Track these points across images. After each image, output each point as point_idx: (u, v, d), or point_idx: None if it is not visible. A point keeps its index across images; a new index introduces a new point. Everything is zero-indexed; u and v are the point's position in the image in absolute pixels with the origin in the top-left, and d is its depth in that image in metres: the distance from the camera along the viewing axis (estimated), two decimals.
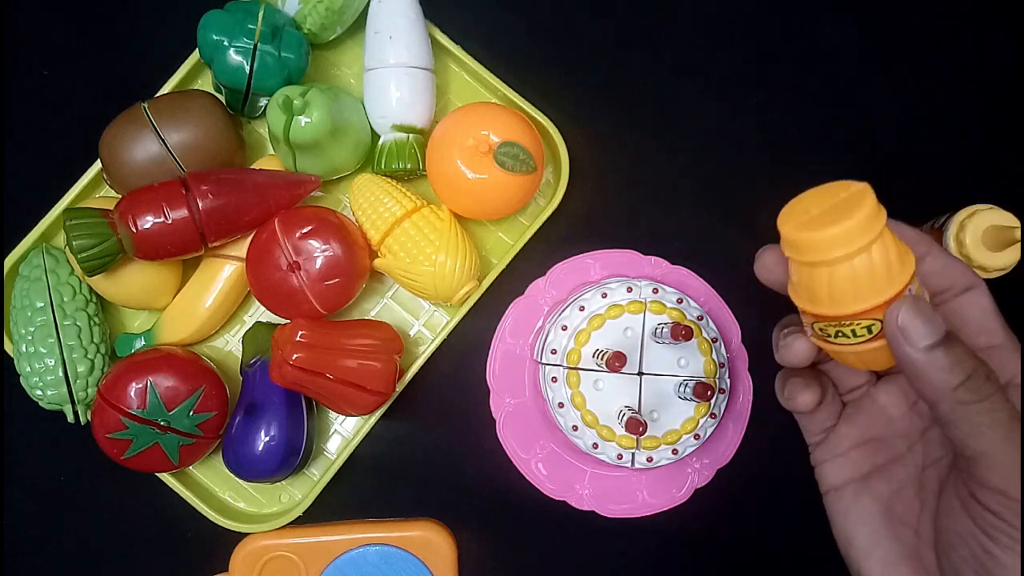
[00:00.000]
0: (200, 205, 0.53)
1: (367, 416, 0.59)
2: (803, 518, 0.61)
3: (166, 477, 0.57)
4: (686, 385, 0.53)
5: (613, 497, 0.57)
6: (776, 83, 0.63)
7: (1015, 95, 0.63)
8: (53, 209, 0.58)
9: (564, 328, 0.54)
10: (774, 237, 0.63)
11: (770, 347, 0.58)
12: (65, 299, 0.55)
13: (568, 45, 0.63)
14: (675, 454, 0.54)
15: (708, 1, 0.64)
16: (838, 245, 0.30)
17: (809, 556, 0.61)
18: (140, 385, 0.53)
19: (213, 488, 0.60)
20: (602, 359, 0.51)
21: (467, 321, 0.59)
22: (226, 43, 0.54)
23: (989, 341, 0.34)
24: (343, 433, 0.61)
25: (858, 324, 0.31)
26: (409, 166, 0.58)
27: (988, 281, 0.53)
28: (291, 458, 0.56)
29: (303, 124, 0.52)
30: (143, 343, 0.58)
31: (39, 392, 0.54)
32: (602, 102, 0.63)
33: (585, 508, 0.57)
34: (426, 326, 0.61)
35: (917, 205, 0.61)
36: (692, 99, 0.63)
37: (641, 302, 0.54)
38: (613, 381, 0.54)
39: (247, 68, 0.54)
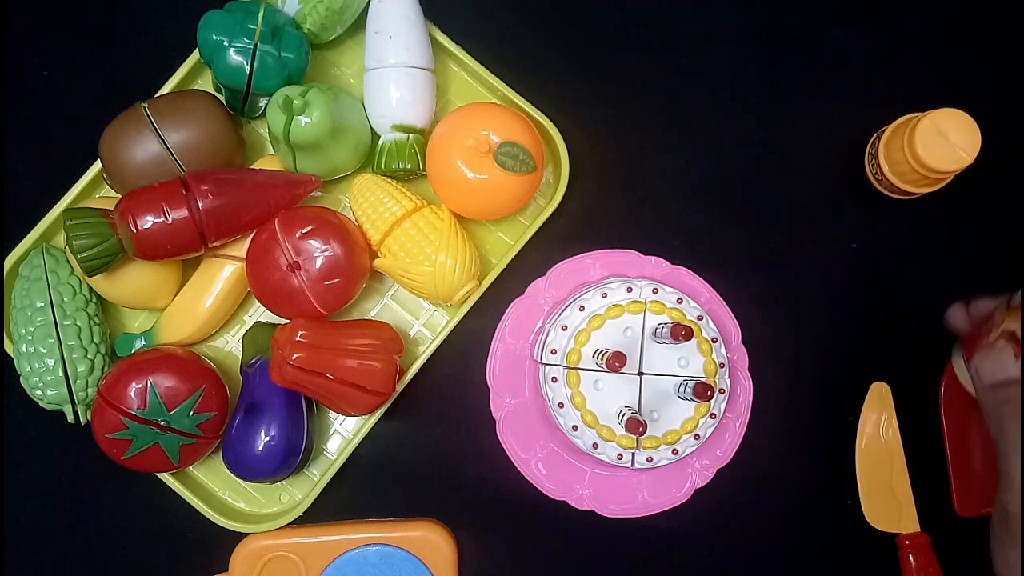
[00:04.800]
0: (200, 205, 0.53)
1: (367, 416, 0.59)
2: (802, 518, 0.61)
3: (166, 477, 0.57)
4: (686, 385, 0.53)
5: (613, 497, 0.57)
6: (776, 83, 0.63)
7: (1016, 95, 0.63)
8: (53, 209, 0.58)
9: (564, 328, 0.55)
10: (774, 236, 0.64)
11: (770, 346, 0.59)
12: (65, 299, 0.55)
13: (568, 45, 0.63)
14: (675, 454, 0.54)
15: (708, 1, 0.64)
16: None
17: (808, 556, 0.61)
18: (140, 385, 0.53)
19: (213, 488, 0.60)
20: (602, 359, 0.51)
21: (467, 321, 0.59)
22: (226, 43, 0.54)
23: None
24: (343, 433, 0.61)
25: None
26: (409, 166, 0.58)
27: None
28: (291, 458, 0.56)
29: (303, 124, 0.52)
30: (143, 343, 0.58)
31: (39, 392, 0.54)
32: (602, 102, 0.63)
33: (585, 508, 0.57)
34: (426, 326, 0.61)
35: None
36: (692, 99, 0.63)
37: (641, 302, 0.54)
38: (613, 381, 0.54)
39: (247, 68, 0.54)
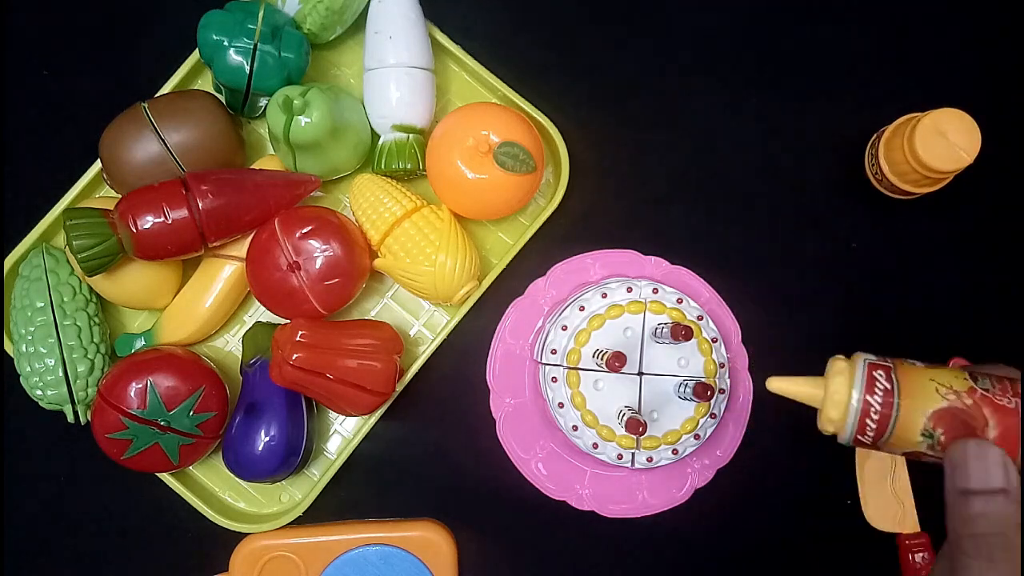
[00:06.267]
0: (200, 205, 0.53)
1: (367, 416, 0.59)
2: (802, 518, 0.61)
3: (166, 477, 0.57)
4: (686, 385, 0.53)
5: (613, 497, 0.57)
6: (776, 83, 0.63)
7: (1016, 95, 0.63)
8: (53, 209, 0.58)
9: (564, 328, 0.55)
10: (774, 236, 0.63)
11: (770, 346, 0.58)
12: (65, 299, 0.55)
13: (568, 45, 0.63)
14: (675, 454, 0.54)
15: (708, 1, 0.64)
16: None
17: (808, 556, 0.61)
18: (140, 385, 0.53)
19: (213, 488, 0.60)
20: (602, 359, 0.51)
21: (467, 321, 0.59)
22: (226, 43, 0.54)
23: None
24: (343, 433, 0.61)
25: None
26: (409, 166, 0.58)
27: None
28: (291, 458, 0.56)
29: (303, 124, 0.52)
30: (143, 343, 0.58)
31: (39, 392, 0.54)
32: (602, 102, 0.63)
33: (585, 508, 0.57)
34: (426, 326, 0.61)
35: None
36: (692, 99, 0.63)
37: (641, 302, 0.54)
38: (613, 381, 0.54)
39: (247, 68, 0.54)
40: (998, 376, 0.37)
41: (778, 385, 0.40)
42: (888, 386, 0.36)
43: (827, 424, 0.38)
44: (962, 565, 0.34)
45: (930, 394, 0.36)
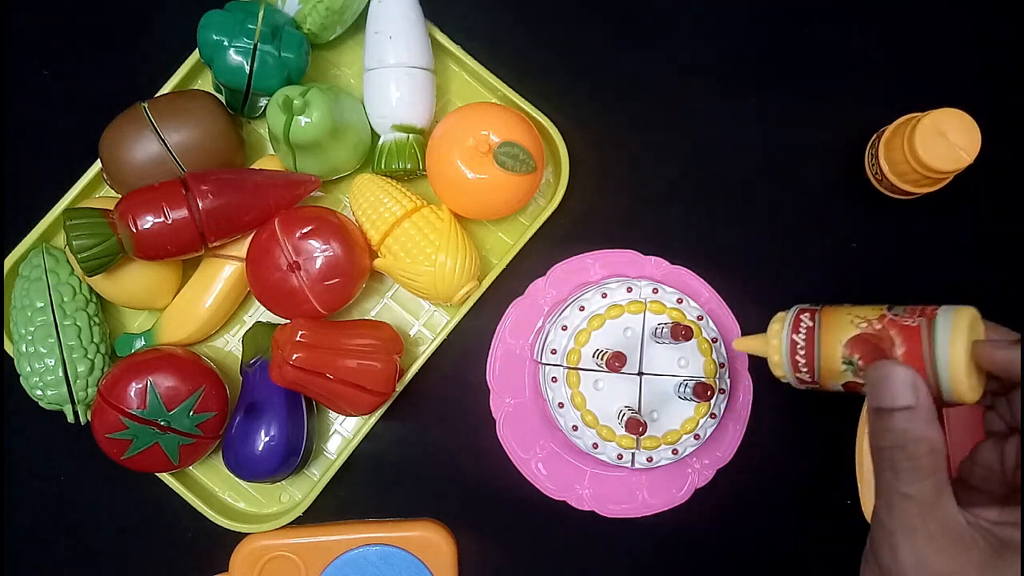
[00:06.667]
0: (200, 205, 0.53)
1: (367, 416, 0.59)
2: (802, 518, 0.61)
3: (166, 477, 0.57)
4: (686, 385, 0.53)
5: (613, 497, 0.57)
6: (776, 83, 0.63)
7: (1016, 95, 0.63)
8: (53, 209, 0.58)
9: (564, 328, 0.55)
10: (774, 236, 0.63)
11: None
12: (65, 299, 0.55)
13: (568, 45, 0.63)
14: (675, 454, 0.54)
15: (708, 1, 0.64)
16: None
17: (808, 556, 0.61)
18: (140, 385, 0.53)
19: (213, 488, 0.60)
20: (602, 359, 0.51)
21: (467, 321, 0.59)
22: (226, 43, 0.54)
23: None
24: (343, 433, 0.61)
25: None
26: (409, 166, 0.58)
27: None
28: (291, 458, 0.56)
29: (303, 124, 0.52)
30: (143, 343, 0.58)
31: (39, 392, 0.54)
32: (602, 102, 0.63)
33: (585, 508, 0.57)
34: (426, 326, 0.61)
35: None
36: (692, 99, 0.63)
37: (641, 302, 0.54)
38: (613, 381, 0.54)
39: (247, 68, 0.54)
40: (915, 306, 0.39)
41: (739, 344, 0.44)
42: (810, 324, 0.40)
43: (774, 368, 0.42)
44: (876, 478, 0.36)
45: (845, 326, 0.39)
